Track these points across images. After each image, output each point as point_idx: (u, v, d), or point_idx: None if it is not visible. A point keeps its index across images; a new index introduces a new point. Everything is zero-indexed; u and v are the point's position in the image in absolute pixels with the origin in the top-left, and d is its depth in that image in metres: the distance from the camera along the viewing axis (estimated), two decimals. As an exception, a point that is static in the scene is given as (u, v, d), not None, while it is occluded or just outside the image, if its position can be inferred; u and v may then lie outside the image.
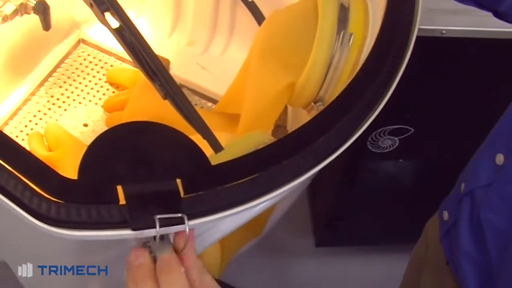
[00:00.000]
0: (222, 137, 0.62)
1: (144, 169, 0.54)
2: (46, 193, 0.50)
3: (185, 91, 1.05)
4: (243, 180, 0.53)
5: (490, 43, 0.97)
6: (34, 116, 0.99)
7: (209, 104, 1.06)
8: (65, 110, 1.01)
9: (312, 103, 0.79)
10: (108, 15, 0.66)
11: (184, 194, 0.51)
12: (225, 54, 1.12)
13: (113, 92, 1.04)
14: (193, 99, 1.06)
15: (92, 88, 1.04)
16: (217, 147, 0.59)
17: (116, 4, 0.63)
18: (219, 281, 0.52)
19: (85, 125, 0.99)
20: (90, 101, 1.02)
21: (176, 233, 0.51)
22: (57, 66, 1.06)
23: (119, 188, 0.50)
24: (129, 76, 1.04)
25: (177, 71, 1.06)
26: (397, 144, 1.20)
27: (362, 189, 1.34)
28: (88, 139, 0.97)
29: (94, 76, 1.06)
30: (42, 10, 0.89)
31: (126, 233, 0.49)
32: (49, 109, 1.01)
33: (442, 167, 1.20)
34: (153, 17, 1.13)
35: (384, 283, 1.23)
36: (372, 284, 1.54)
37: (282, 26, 0.82)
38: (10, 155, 0.51)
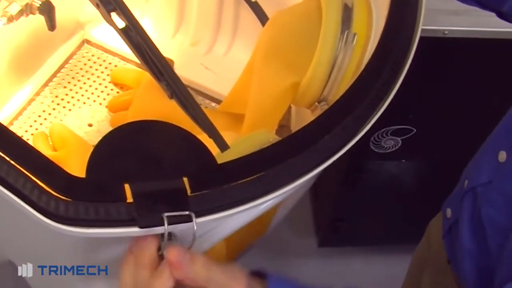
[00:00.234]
0: (226, 136, 0.63)
1: (151, 168, 0.54)
2: (55, 191, 0.50)
3: (188, 91, 1.05)
4: (249, 178, 0.54)
5: (493, 43, 0.97)
6: (39, 116, 1.00)
7: (213, 104, 1.06)
8: (70, 110, 1.01)
9: (316, 103, 0.79)
10: (114, 15, 0.66)
11: (191, 192, 0.51)
12: (228, 54, 1.12)
13: (117, 92, 1.05)
14: (197, 99, 1.05)
15: (96, 88, 1.05)
16: (223, 145, 0.60)
17: (122, 4, 0.64)
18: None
19: (90, 125, 1.00)
20: (94, 101, 1.03)
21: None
22: (62, 66, 1.07)
23: (127, 186, 0.51)
24: (133, 77, 1.04)
25: (181, 71, 1.05)
26: (399, 145, 1.20)
27: (364, 190, 1.34)
28: (93, 139, 0.97)
29: (98, 77, 1.06)
30: (48, 11, 0.90)
31: (134, 230, 0.50)
32: (54, 109, 1.01)
33: (444, 168, 1.21)
34: (157, 18, 1.13)
35: (386, 283, 1.22)
36: (374, 284, 1.54)
37: (286, 26, 0.83)
38: (19, 153, 0.51)
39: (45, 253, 0.71)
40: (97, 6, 0.68)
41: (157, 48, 0.62)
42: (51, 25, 0.92)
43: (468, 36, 0.97)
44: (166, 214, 0.49)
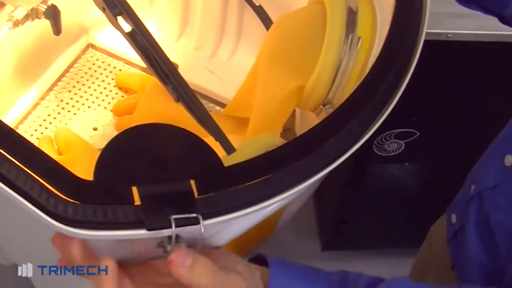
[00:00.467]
0: (232, 139, 0.63)
1: (158, 171, 0.54)
2: (63, 194, 0.50)
3: (193, 95, 1.05)
4: (255, 181, 0.54)
5: (496, 46, 0.97)
6: (44, 120, 1.01)
7: (217, 107, 1.07)
8: (75, 114, 1.02)
9: (321, 106, 0.79)
10: (120, 19, 0.67)
11: (198, 195, 0.52)
12: (233, 58, 1.12)
13: (122, 96, 1.05)
14: (201, 103, 1.06)
15: (101, 93, 1.05)
16: (229, 148, 0.60)
17: (128, 8, 0.64)
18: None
19: (95, 129, 1.00)
20: (99, 105, 1.03)
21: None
22: (66, 70, 1.07)
23: (134, 189, 0.51)
24: (138, 81, 1.05)
25: (185, 75, 1.04)
26: (403, 148, 1.20)
27: (368, 193, 1.35)
28: (98, 143, 0.98)
29: (103, 81, 1.07)
30: (53, 15, 0.90)
31: (142, 233, 0.50)
32: (59, 113, 1.02)
33: (447, 171, 1.21)
34: (161, 21, 1.14)
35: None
36: None
37: (290, 30, 0.83)
38: (27, 156, 0.52)
39: (46, 253, 0.71)
40: (103, 10, 0.68)
41: (163, 52, 0.63)
42: (57, 30, 0.93)
43: (472, 40, 0.97)
44: (174, 216, 0.49)
